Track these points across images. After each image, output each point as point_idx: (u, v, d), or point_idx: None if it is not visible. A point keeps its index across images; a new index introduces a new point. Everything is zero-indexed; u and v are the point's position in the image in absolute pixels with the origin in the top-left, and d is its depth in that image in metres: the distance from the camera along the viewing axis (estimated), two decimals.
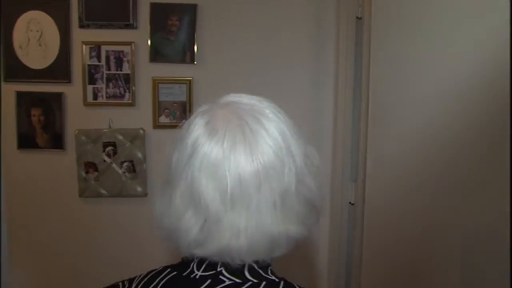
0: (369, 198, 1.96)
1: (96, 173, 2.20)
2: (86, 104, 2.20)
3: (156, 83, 2.17)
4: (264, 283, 0.67)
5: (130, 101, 2.19)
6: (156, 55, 2.17)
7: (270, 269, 0.70)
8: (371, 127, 1.91)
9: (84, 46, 2.16)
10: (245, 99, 0.70)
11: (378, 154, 1.88)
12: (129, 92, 2.18)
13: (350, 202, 2.16)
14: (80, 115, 2.20)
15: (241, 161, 0.62)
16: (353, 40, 2.09)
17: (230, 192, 0.62)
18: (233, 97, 0.70)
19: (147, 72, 2.18)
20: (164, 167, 0.70)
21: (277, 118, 0.67)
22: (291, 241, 0.66)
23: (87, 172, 2.20)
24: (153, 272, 0.73)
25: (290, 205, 0.65)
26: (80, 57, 2.17)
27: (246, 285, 0.66)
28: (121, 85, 2.18)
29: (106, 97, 2.19)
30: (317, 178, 0.70)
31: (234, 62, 2.17)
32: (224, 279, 0.67)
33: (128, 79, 2.18)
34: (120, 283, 0.75)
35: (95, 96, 2.19)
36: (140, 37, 2.16)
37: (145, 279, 0.72)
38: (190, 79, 2.16)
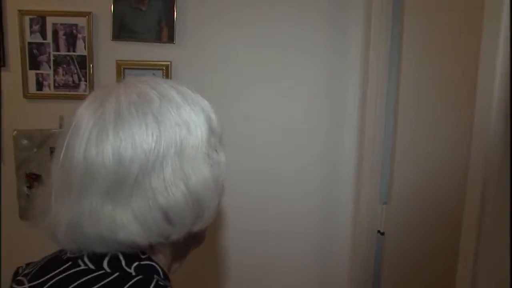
0: (404, 226, 1.51)
1: (42, 187, 1.65)
2: (27, 96, 1.66)
3: (122, 69, 1.63)
4: (116, 274, 0.65)
5: (87, 93, 1.65)
6: (122, 30, 1.63)
7: (138, 264, 0.66)
8: (410, 131, 1.40)
9: (22, 17, 1.60)
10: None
11: (415, 170, 1.38)
12: (86, 81, 1.64)
13: (379, 231, 1.65)
14: (20, 111, 1.66)
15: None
16: (390, 15, 1.54)
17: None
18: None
19: (109, 53, 1.66)
20: None
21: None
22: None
23: (30, 187, 1.67)
24: (47, 255, 0.73)
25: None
26: (16, 32, 1.62)
27: (94, 274, 0.65)
28: (75, 71, 1.64)
29: (55, 86, 1.65)
30: None
31: (226, 43, 1.65)
32: (81, 263, 0.67)
33: (84, 63, 1.63)
34: (20, 267, 0.75)
35: (40, 86, 1.65)
36: (100, 6, 1.61)
37: (42, 262, 0.72)
38: (168, 64, 1.63)
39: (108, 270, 0.65)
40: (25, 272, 0.72)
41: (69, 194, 0.63)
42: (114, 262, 0.66)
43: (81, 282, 0.64)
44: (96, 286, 0.63)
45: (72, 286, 0.64)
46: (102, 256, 0.66)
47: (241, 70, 1.65)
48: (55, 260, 0.70)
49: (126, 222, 0.61)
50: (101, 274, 0.65)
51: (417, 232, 1.44)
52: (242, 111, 1.67)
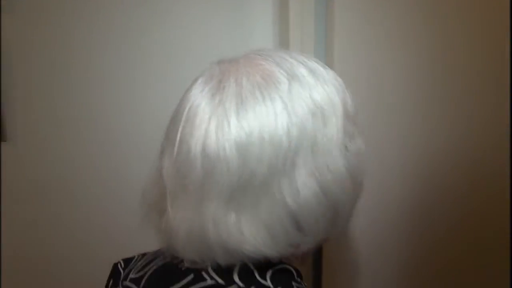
0: None
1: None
2: None
3: None
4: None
5: None
6: None
7: (272, 272, 0.56)
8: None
9: None
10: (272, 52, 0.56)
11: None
12: None
13: None
14: None
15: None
16: None
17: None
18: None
19: None
20: None
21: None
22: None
23: None
24: (148, 255, 0.65)
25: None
26: None
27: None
28: None
29: None
30: None
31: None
32: (207, 277, 0.56)
33: None
34: (136, 255, 0.68)
35: None
36: None
37: (141, 261, 0.65)
38: None
39: (241, 285, 0.55)
40: (131, 276, 0.64)
41: (186, 197, 0.53)
42: (246, 275, 0.56)
43: None
44: None
45: None
46: (229, 268, 0.56)
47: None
48: (171, 270, 0.60)
49: (254, 232, 0.51)
50: None
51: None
52: None
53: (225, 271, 0.55)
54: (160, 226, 0.56)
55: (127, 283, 0.64)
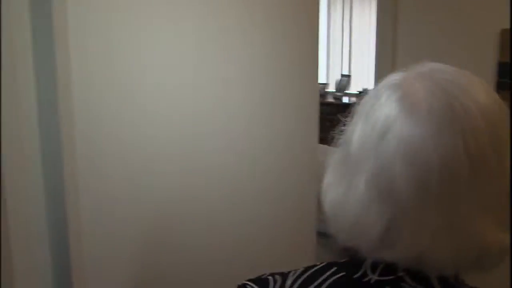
0: None
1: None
2: None
3: None
4: None
5: None
6: None
7: (463, 281, 0.59)
8: None
9: None
10: (450, 69, 0.57)
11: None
12: None
13: None
14: None
15: (448, 147, 0.51)
16: None
17: (434, 183, 0.51)
18: (434, 65, 0.58)
19: None
20: None
21: (486, 96, 0.54)
22: (505, 253, 0.54)
23: None
24: (313, 269, 0.63)
25: (503, 207, 0.54)
26: None
27: None
28: None
29: None
30: None
31: None
32: (407, 286, 0.56)
33: None
34: (271, 278, 0.66)
35: None
36: None
37: (304, 276, 0.63)
38: None
39: None
40: None
41: (445, 201, 0.51)
42: (445, 283, 0.56)
43: None
44: None
45: None
46: (426, 276, 0.55)
47: None
48: (349, 283, 0.59)
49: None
50: None
51: None
52: None
53: (422, 279, 0.55)
54: (374, 238, 0.54)
55: None
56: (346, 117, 0.62)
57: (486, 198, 0.52)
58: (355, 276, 0.58)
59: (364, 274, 0.58)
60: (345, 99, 5.48)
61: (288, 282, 0.63)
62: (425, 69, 0.57)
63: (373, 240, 0.54)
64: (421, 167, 0.51)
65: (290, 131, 1.33)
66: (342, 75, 5.64)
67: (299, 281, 0.62)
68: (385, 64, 1.76)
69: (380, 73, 1.76)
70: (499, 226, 0.53)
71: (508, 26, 1.63)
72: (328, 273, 0.61)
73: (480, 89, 0.54)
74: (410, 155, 0.51)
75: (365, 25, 5.40)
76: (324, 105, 5.35)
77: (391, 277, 0.56)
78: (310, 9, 1.42)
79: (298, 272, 0.64)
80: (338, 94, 5.51)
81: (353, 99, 5.36)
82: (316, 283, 0.60)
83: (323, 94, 5.46)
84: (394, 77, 0.58)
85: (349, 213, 0.55)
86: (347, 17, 5.58)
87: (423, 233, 0.52)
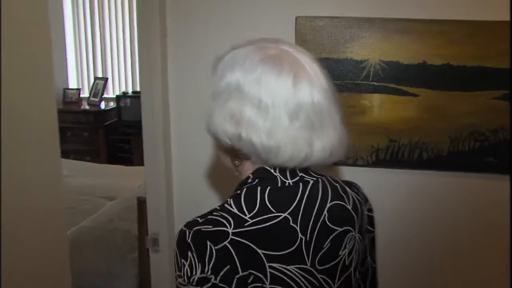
0: None
1: None
2: None
3: None
4: (322, 176, 0.87)
5: None
6: None
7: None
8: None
9: None
10: (291, 42, 0.92)
11: None
12: None
13: None
14: None
15: (324, 84, 0.82)
16: None
17: (330, 104, 0.82)
18: (280, 39, 0.86)
19: None
20: None
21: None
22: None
23: None
24: (243, 196, 0.81)
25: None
26: None
27: (320, 181, 0.86)
28: None
29: None
30: None
31: None
32: (310, 179, 0.84)
33: None
34: (224, 221, 0.77)
35: None
36: None
37: (244, 198, 0.80)
38: None
39: (321, 176, 0.87)
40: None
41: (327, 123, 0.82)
42: (312, 171, 0.87)
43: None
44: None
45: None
46: (307, 169, 0.85)
47: None
48: (280, 191, 0.82)
49: None
50: (323, 179, 0.87)
51: None
52: None
53: (308, 173, 0.86)
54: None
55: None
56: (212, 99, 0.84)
57: (339, 111, 0.84)
58: (279, 185, 0.82)
59: (283, 181, 0.82)
60: (102, 105, 5.05)
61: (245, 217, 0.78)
62: (285, 45, 0.84)
63: (301, 155, 0.79)
64: (326, 94, 0.82)
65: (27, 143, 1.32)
66: (97, 78, 5.16)
67: (244, 203, 0.80)
68: (151, 63, 1.53)
69: (144, 74, 1.57)
70: (345, 128, 0.84)
71: None
72: (259, 192, 0.81)
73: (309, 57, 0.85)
74: (322, 89, 0.81)
75: (121, 24, 5.06)
76: (76, 113, 4.77)
77: (297, 178, 0.83)
78: (37, 10, 1.37)
79: (232, 200, 0.81)
80: (93, 99, 5.04)
81: (112, 104, 5.02)
82: (258, 203, 0.79)
83: (76, 101, 4.98)
84: (266, 52, 0.81)
85: (284, 141, 0.78)
86: (97, 17, 5.14)
87: (325, 141, 0.81)
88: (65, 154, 3.90)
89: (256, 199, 0.79)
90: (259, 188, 0.80)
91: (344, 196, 0.86)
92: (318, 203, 0.82)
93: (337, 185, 0.88)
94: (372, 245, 0.97)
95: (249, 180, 0.82)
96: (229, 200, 0.81)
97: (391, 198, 1.51)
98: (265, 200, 0.79)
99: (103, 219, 2.71)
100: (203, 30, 1.51)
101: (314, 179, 0.84)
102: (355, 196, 0.89)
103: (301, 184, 0.82)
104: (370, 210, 0.94)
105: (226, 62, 0.82)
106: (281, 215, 0.78)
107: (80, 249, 2.40)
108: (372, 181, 1.38)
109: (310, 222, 0.80)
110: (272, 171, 0.81)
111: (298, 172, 0.82)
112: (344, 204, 0.85)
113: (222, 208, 0.79)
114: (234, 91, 0.79)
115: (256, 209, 0.78)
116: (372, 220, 0.95)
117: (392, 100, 1.44)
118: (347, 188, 0.89)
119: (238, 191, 0.82)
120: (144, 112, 1.57)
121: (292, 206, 0.80)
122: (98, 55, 5.15)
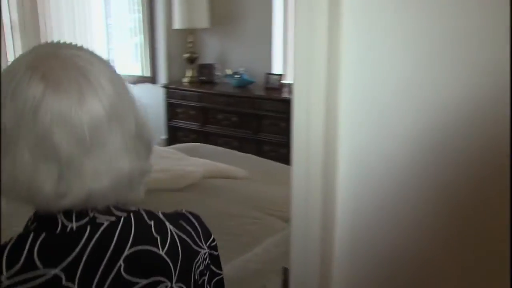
0: None
1: None
2: None
3: None
4: (131, 213, 0.73)
5: None
6: None
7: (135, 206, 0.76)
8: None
9: None
10: (74, 46, 0.71)
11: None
12: None
13: None
14: None
15: (90, 107, 0.64)
16: None
17: (87, 138, 0.64)
18: (57, 44, 0.70)
19: None
20: None
21: (104, 65, 0.70)
22: (145, 174, 0.73)
23: None
24: (10, 246, 0.67)
25: (137, 143, 0.70)
26: None
27: (122, 221, 0.72)
28: None
29: None
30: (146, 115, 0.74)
31: None
32: (102, 221, 0.70)
33: None
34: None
35: None
36: None
37: (10, 248, 0.67)
38: None
39: (124, 214, 0.73)
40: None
41: (99, 148, 0.66)
42: (117, 208, 0.72)
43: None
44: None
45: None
46: (107, 210, 0.71)
47: None
48: (54, 240, 0.68)
49: None
50: (123, 219, 0.72)
51: None
52: None
53: (107, 213, 0.71)
54: (49, 192, 0.64)
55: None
56: None
57: (124, 140, 0.68)
58: (57, 231, 0.68)
59: (64, 226, 0.68)
60: None
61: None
62: (51, 48, 0.68)
63: (48, 194, 0.64)
64: (75, 129, 0.63)
65: None
66: None
67: (6, 255, 0.66)
68: None
69: None
70: (139, 157, 0.70)
71: None
72: (30, 239, 0.67)
73: (101, 60, 0.70)
74: (64, 122, 0.63)
75: None
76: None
77: (86, 220, 0.69)
78: None
79: (7, 245, 0.68)
80: None
81: None
82: (25, 253, 0.66)
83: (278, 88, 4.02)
84: (26, 59, 0.66)
85: (22, 178, 0.64)
86: None
87: (86, 177, 0.65)
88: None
89: (23, 252, 0.66)
90: (31, 236, 0.67)
91: (158, 237, 0.74)
92: (110, 251, 0.69)
93: (151, 223, 0.75)
94: None
95: (29, 223, 0.70)
96: None
97: None
98: (33, 253, 0.66)
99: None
100: None
101: (113, 219, 0.71)
102: (181, 236, 0.77)
103: (88, 228, 0.69)
104: (214, 247, 0.83)
105: None
106: (50, 273, 0.66)
107: None
108: None
109: (95, 277, 0.68)
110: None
111: (89, 212, 0.69)
112: (153, 248, 0.73)
113: None
114: None
115: (20, 265, 0.66)
116: (217, 259, 0.84)
117: None
118: (169, 226, 0.77)
119: (8, 241, 0.69)
120: None
121: (69, 259, 0.67)
122: None
